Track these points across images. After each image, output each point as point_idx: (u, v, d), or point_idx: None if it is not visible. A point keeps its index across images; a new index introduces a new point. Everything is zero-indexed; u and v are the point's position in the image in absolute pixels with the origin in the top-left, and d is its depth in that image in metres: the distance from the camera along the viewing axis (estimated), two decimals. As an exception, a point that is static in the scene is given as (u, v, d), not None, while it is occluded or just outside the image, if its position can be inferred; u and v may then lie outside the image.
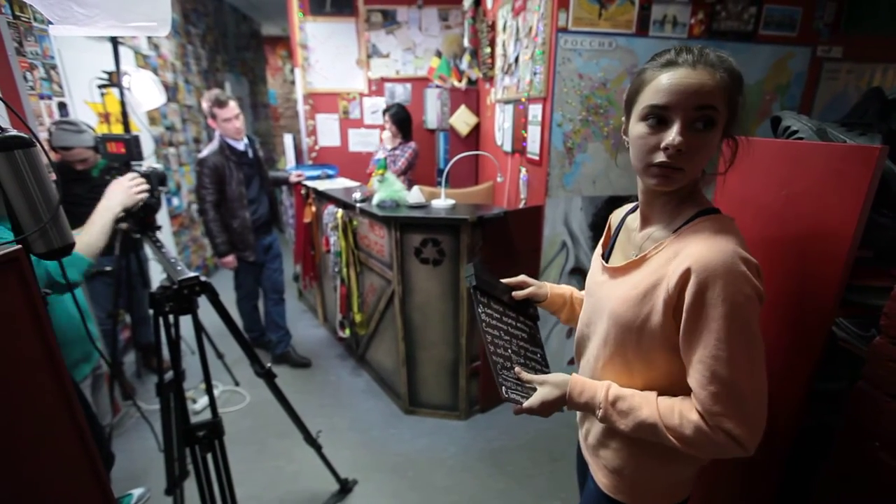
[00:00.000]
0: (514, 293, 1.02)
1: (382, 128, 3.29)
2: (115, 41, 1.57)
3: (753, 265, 0.68)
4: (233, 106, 2.50)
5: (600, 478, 0.92)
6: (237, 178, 2.58)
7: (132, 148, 1.48)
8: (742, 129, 0.77)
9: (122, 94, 1.58)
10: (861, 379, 0.90)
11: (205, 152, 2.53)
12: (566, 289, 1.08)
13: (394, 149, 3.17)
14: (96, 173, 2.22)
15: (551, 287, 1.06)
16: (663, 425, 0.72)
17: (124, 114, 1.72)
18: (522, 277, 1.05)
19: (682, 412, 0.71)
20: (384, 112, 3.23)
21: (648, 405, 0.74)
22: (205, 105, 2.53)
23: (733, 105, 0.71)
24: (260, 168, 2.78)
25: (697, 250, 0.69)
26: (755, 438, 0.68)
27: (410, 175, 3.21)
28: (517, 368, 0.88)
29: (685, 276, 0.68)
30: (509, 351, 0.91)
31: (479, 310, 0.90)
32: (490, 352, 0.86)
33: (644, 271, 0.77)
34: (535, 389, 0.84)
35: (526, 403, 0.83)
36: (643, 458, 0.85)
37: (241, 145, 2.61)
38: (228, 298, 1.46)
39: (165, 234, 3.68)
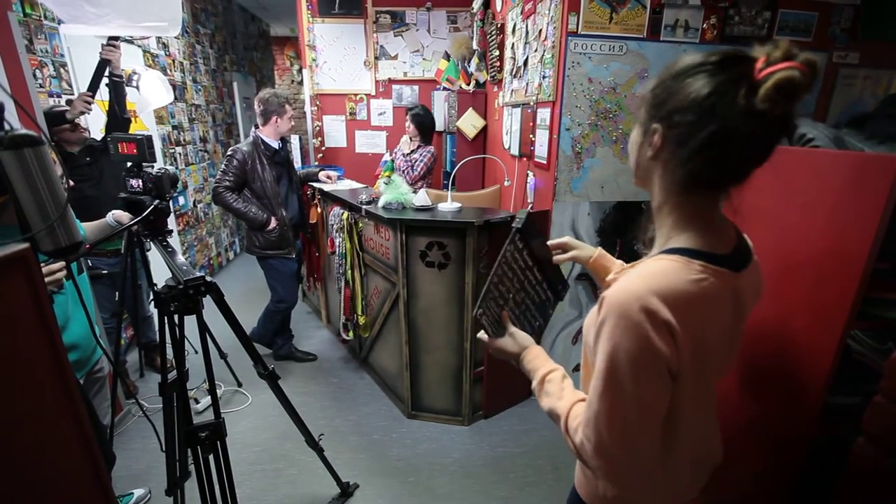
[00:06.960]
0: (556, 257, 1.02)
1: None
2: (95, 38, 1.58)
3: (660, 320, 0.62)
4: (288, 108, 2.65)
5: (576, 471, 0.94)
6: (270, 174, 2.60)
7: (144, 149, 1.45)
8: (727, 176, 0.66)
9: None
10: (877, 393, 0.88)
11: (238, 145, 2.58)
12: (614, 262, 1.05)
13: (411, 152, 3.09)
14: (76, 151, 2.17)
15: (601, 254, 1.04)
16: (564, 423, 0.75)
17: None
18: (567, 239, 1.03)
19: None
20: (407, 111, 3.13)
21: (568, 400, 0.77)
22: (263, 103, 2.55)
23: (662, 112, 0.66)
24: (289, 169, 2.80)
25: (619, 282, 0.68)
26: (619, 477, 0.71)
27: (430, 179, 3.11)
28: (505, 312, 0.92)
29: (601, 302, 0.69)
30: (510, 295, 0.92)
31: (509, 247, 0.88)
32: (493, 282, 0.88)
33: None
34: (503, 334, 0.90)
35: (490, 339, 0.90)
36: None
37: (275, 144, 2.64)
38: (232, 299, 1.46)
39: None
